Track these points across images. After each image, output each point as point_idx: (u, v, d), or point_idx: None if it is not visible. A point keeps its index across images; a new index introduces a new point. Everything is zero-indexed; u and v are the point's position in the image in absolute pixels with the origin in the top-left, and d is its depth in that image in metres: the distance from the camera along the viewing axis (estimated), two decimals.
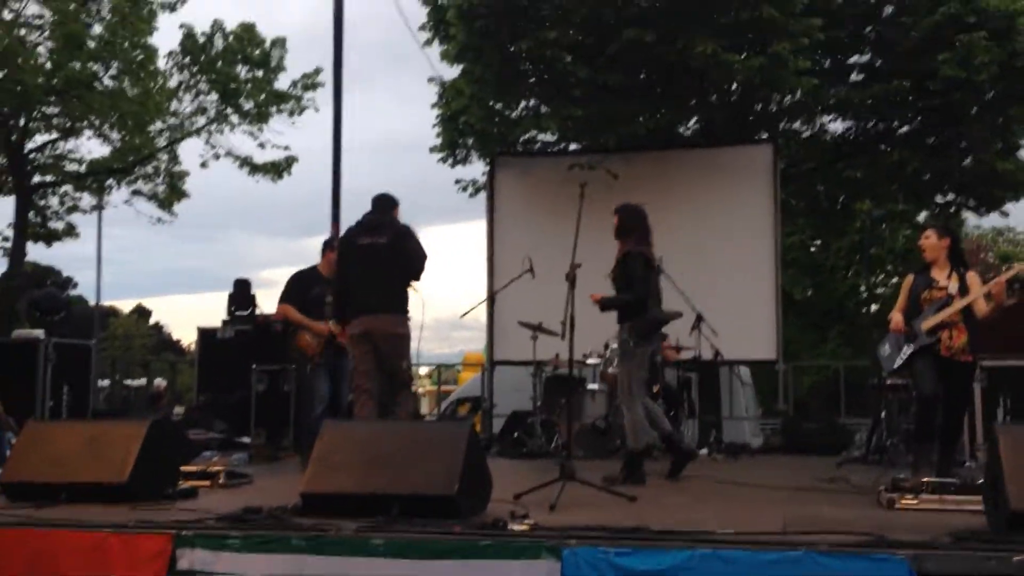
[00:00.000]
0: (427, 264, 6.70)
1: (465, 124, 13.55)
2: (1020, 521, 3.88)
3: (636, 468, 6.42)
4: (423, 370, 24.57)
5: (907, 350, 6.31)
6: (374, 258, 6.55)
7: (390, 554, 4.01)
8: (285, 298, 7.77)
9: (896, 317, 6.40)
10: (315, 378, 7.60)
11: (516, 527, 4.24)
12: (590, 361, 8.92)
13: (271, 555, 4.05)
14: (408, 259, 6.62)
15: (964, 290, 6.19)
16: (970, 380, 6.24)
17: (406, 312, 6.66)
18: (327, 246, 7.95)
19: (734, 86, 12.53)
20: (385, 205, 6.84)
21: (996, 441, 4.20)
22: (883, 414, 8.53)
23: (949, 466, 6.25)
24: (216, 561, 4.04)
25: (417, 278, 6.71)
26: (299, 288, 7.74)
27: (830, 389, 19.59)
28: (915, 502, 4.96)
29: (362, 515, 4.40)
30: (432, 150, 14.64)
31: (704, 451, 8.98)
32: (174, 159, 17.41)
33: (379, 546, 4.04)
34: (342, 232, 7.21)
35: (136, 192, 17.40)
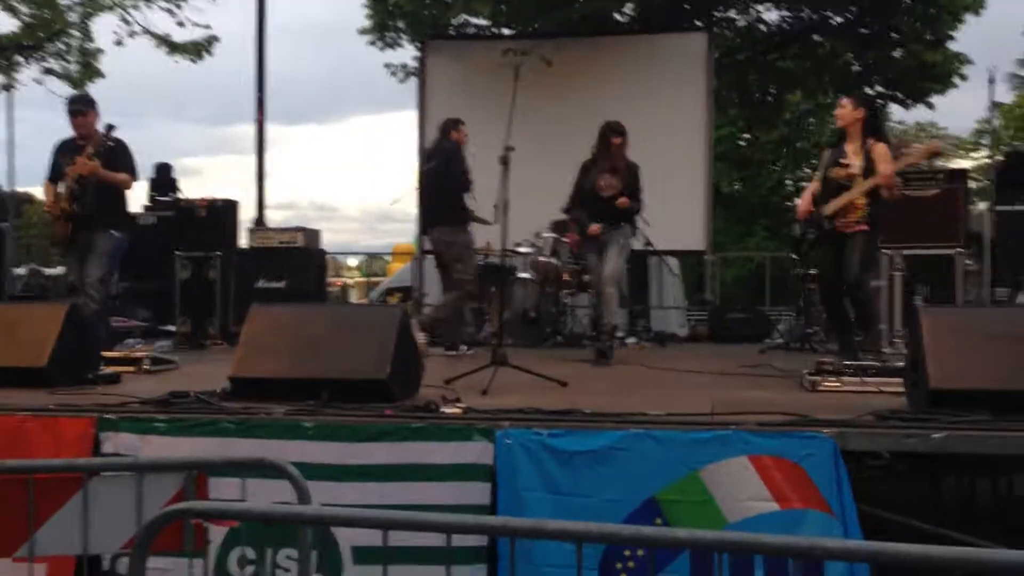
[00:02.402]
0: (468, 177, 7.60)
1: (395, 6, 13.08)
2: (939, 399, 4.01)
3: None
4: (352, 261, 24.45)
5: (809, 236, 6.46)
6: (428, 183, 7.78)
7: (320, 437, 3.98)
8: (48, 174, 6.92)
9: (801, 205, 6.52)
10: (67, 264, 6.97)
11: (448, 410, 4.23)
12: (521, 250, 8.88)
13: (198, 438, 3.99)
14: (455, 178, 7.54)
15: (869, 165, 6.09)
16: (866, 247, 6.16)
17: (457, 223, 7.60)
18: (72, 103, 6.89)
19: None
20: (445, 129, 7.79)
21: (918, 321, 4.29)
22: (804, 303, 8.74)
23: (870, 340, 6.41)
24: (142, 445, 3.97)
25: (465, 191, 7.59)
26: (52, 160, 6.91)
27: (754, 281, 20.02)
28: (837, 384, 5.09)
29: (292, 399, 4.36)
30: (361, 32, 14.15)
31: (632, 340, 9.10)
32: (87, 36, 16.48)
33: (309, 429, 4.01)
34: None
35: (48, 71, 16.48)
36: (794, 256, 7.96)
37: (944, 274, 7.66)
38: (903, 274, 7.85)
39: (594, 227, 7.39)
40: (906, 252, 7.81)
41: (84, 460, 3.42)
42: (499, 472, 3.88)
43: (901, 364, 4.96)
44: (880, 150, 6.14)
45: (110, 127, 6.64)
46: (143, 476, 2.80)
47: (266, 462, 2.94)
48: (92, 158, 6.48)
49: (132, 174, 6.85)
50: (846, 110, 6.33)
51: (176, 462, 2.98)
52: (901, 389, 4.65)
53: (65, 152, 6.76)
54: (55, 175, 6.77)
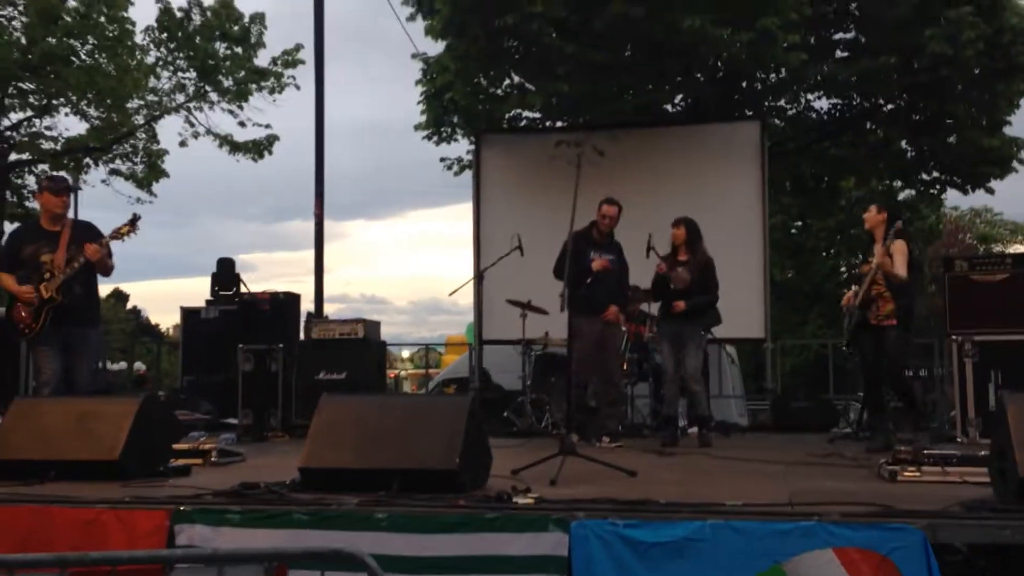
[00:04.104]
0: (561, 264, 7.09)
1: (450, 101, 13.39)
2: None
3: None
4: (405, 352, 24.47)
5: (848, 324, 7.07)
6: None
7: (394, 528, 3.94)
8: (3, 263, 6.57)
9: (848, 293, 7.27)
10: (37, 356, 6.43)
11: (521, 500, 4.17)
12: None
13: (272, 530, 3.97)
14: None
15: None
16: (897, 342, 6.85)
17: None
18: (60, 182, 6.69)
19: (720, 63, 12.46)
20: None
21: (1004, 409, 4.14)
22: None
23: (916, 426, 7.08)
24: (216, 536, 3.95)
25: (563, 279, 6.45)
26: (9, 249, 6.67)
27: (811, 370, 19.66)
28: (917, 474, 4.94)
29: (361, 490, 4.32)
30: (417, 127, 14.47)
31: (694, 429, 8.95)
32: (153, 137, 17.09)
33: (382, 520, 3.97)
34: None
35: (114, 171, 17.07)
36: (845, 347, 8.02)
37: (1018, 360, 7.46)
38: (974, 361, 7.69)
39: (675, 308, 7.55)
40: (977, 338, 7.66)
41: (167, 552, 3.41)
42: (574, 565, 3.79)
43: (984, 453, 4.81)
44: (898, 245, 6.79)
45: (136, 217, 6.50)
46: (223, 569, 2.77)
47: (344, 553, 2.90)
48: (104, 246, 6.31)
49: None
50: (871, 214, 7.08)
51: (257, 553, 2.96)
52: (984, 479, 4.49)
53: (33, 240, 6.46)
54: (11, 264, 6.44)
